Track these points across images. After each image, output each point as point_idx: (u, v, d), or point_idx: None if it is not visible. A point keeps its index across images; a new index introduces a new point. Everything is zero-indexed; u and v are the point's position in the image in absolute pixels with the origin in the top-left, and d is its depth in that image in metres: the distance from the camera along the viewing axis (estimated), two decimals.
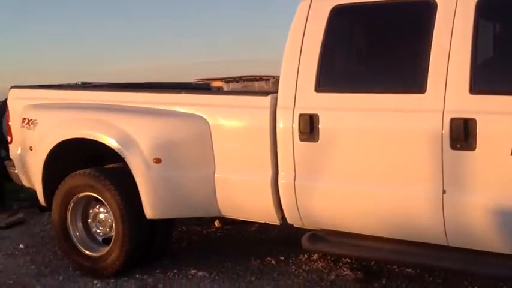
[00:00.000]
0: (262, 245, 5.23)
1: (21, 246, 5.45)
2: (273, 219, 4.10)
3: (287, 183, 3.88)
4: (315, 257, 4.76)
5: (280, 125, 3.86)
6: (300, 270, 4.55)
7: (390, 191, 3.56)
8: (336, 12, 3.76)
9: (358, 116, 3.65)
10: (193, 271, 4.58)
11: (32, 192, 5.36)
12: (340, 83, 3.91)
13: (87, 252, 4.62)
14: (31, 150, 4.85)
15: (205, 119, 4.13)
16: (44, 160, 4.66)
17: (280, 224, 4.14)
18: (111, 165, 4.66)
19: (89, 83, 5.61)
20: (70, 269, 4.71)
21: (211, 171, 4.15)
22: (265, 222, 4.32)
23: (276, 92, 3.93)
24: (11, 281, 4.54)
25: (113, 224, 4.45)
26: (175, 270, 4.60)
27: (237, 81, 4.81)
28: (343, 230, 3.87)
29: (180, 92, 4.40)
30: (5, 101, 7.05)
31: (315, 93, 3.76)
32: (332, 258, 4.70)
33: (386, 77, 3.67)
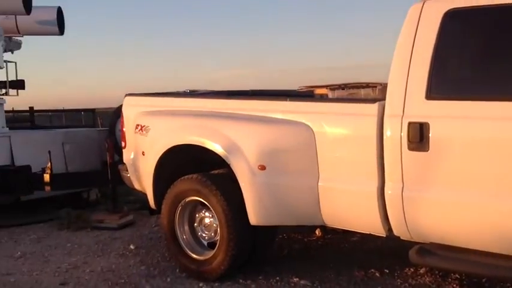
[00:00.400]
0: (365, 255, 5.11)
1: (132, 247, 5.72)
2: (379, 231, 3.99)
3: (394, 194, 3.76)
4: (421, 271, 4.58)
5: (387, 133, 3.75)
6: (406, 284, 4.39)
7: (506, 204, 3.34)
8: (450, 16, 3.61)
9: (474, 125, 3.46)
10: (295, 279, 4.56)
11: (141, 195, 5.63)
12: (453, 90, 3.72)
13: (193, 255, 4.74)
14: (143, 155, 5.09)
15: (310, 127, 4.11)
16: (155, 165, 4.87)
17: (387, 236, 4.02)
18: (217, 171, 4.77)
19: (196, 91, 5.79)
20: (177, 270, 4.87)
21: (315, 180, 4.12)
22: (369, 233, 4.22)
23: (384, 99, 3.83)
24: (123, 281, 4.77)
25: (218, 229, 4.55)
26: (278, 278, 4.61)
27: (343, 88, 4.76)
28: (453, 244, 3.68)
29: (285, 100, 4.42)
30: (119, 107, 7.49)
31: (425, 100, 3.62)
32: (440, 273, 4.49)
33: (505, 84, 3.46)
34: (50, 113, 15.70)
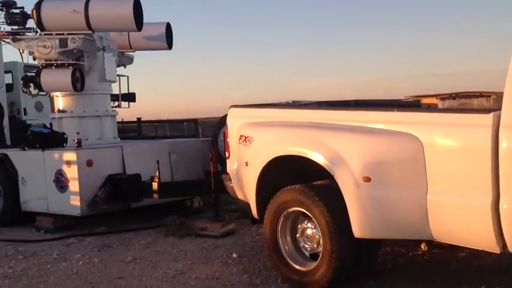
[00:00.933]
0: (475, 272, 4.86)
1: (234, 255, 5.82)
2: (492, 247, 3.77)
3: (510, 208, 3.55)
4: None
5: (503, 144, 3.55)
6: None
7: None
8: None
9: None
10: None
11: (242, 204, 5.73)
12: None
13: (296, 266, 4.74)
14: (246, 165, 5.18)
15: (418, 138, 3.98)
16: (258, 175, 4.95)
17: (500, 252, 3.79)
18: (319, 182, 4.74)
19: (299, 102, 5.82)
20: (279, 280, 4.89)
21: (423, 193, 3.98)
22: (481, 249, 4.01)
23: (499, 109, 3.64)
24: None
25: (321, 240, 4.51)
26: None
27: (453, 98, 4.57)
28: None
29: (393, 110, 4.31)
30: (222, 118, 7.69)
31: None
32: None
33: None
34: (155, 124, 16.45)
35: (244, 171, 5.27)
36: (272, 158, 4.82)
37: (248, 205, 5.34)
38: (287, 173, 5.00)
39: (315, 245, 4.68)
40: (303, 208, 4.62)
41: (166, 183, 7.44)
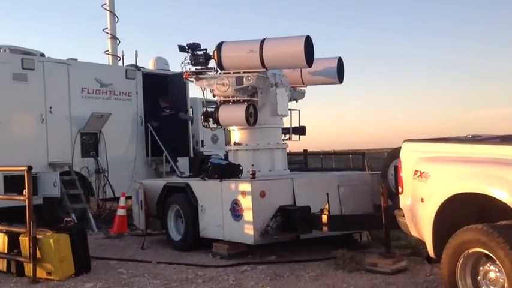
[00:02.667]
0: None
1: None
2: None
3: None
4: None
5: None
6: None
7: None
8: None
9: None
10: None
11: (413, 241, 5.50)
12: None
13: None
14: (422, 202, 5.04)
15: None
16: (435, 212, 4.78)
17: None
18: (504, 222, 4.45)
19: (479, 136, 5.53)
20: None
21: None
22: None
23: None
24: None
25: (506, 284, 4.21)
26: None
27: None
28: None
29: None
30: (392, 152, 7.58)
31: None
32: None
33: None
34: (321, 155, 16.73)
35: (419, 207, 5.12)
36: (451, 195, 4.64)
37: (422, 242, 5.17)
38: (466, 211, 4.77)
39: None
40: (485, 249, 4.35)
41: (336, 216, 7.47)
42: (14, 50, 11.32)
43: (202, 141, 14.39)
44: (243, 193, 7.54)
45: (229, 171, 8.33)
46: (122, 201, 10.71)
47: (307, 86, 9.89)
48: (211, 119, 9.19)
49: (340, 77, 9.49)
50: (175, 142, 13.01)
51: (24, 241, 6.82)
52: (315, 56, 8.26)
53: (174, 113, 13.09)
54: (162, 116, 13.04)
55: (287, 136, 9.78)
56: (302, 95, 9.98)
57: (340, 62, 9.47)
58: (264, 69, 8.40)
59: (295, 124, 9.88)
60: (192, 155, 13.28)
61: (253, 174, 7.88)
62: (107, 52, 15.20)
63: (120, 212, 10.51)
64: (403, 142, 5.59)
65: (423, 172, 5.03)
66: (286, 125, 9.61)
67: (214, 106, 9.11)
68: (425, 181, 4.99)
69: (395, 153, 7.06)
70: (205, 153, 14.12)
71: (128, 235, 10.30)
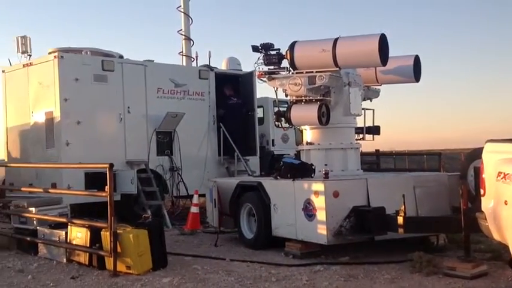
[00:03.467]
0: None
1: None
2: None
3: None
4: None
5: None
6: None
7: None
8: None
9: None
10: None
11: (494, 245, 5.27)
12: None
13: None
14: (506, 204, 4.85)
15: None
16: None
17: None
18: None
19: None
20: None
21: None
22: None
23: None
24: None
25: None
26: None
27: None
28: None
29: None
30: (472, 152, 7.32)
31: None
32: None
33: None
34: (393, 156, 16.38)
35: (503, 210, 4.93)
36: None
37: (504, 246, 4.97)
38: None
39: None
40: None
41: (412, 218, 7.30)
42: (94, 52, 11.82)
43: (273, 141, 14.48)
44: (316, 193, 7.52)
45: (302, 170, 8.33)
46: (196, 199, 10.97)
47: (382, 85, 9.72)
48: (283, 119, 9.22)
49: (416, 76, 9.25)
50: (242, 141, 13.15)
51: (106, 236, 7.11)
52: (391, 54, 8.10)
53: (240, 102, 13.27)
54: (228, 104, 13.23)
55: (360, 136, 9.65)
56: (377, 94, 9.81)
57: (417, 60, 9.23)
58: (337, 69, 8.34)
59: (369, 123, 9.73)
60: (259, 154, 13.39)
61: (326, 174, 7.84)
62: (181, 53, 15.57)
63: (194, 209, 10.75)
64: (486, 142, 5.40)
65: (507, 174, 4.84)
66: (360, 124, 9.49)
67: (285, 106, 9.13)
68: (509, 183, 4.80)
69: (475, 153, 6.82)
70: (275, 153, 14.23)
71: (201, 232, 10.53)
